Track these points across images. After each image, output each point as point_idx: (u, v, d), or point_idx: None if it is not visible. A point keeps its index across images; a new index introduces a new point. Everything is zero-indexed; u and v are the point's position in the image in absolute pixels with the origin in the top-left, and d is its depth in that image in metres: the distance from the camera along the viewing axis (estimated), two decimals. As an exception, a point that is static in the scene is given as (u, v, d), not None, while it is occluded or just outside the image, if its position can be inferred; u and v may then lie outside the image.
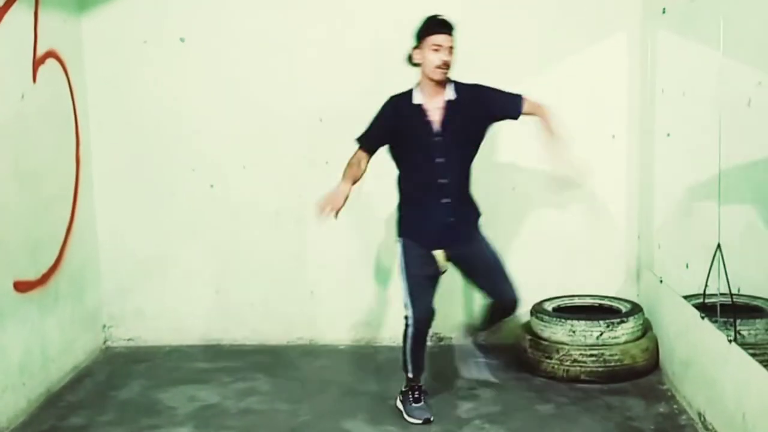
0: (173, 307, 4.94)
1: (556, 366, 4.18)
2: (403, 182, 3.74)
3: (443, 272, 3.71)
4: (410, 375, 3.81)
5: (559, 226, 4.74)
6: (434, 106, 3.61)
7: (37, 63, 4.13)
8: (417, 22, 4.55)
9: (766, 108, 3.30)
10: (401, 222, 3.76)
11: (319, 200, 3.61)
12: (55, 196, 4.36)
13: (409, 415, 3.76)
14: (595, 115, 4.67)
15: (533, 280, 4.72)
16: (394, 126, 3.66)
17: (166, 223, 4.89)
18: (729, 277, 3.28)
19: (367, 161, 3.71)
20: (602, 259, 4.76)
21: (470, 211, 3.75)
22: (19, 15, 3.94)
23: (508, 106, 3.65)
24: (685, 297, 3.82)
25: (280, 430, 3.75)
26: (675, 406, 3.85)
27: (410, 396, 3.81)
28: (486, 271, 3.73)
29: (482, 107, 3.63)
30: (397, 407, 3.86)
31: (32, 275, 4.04)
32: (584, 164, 3.52)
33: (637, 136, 4.63)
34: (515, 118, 3.67)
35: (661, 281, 4.23)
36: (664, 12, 4.09)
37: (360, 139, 3.73)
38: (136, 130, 4.82)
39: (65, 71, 4.48)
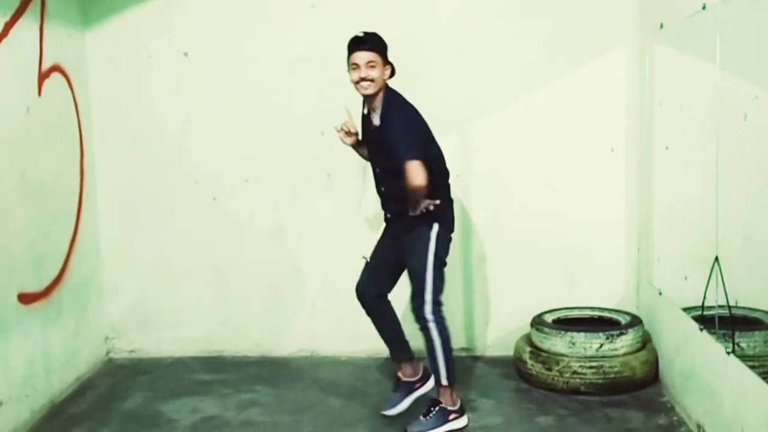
0: (175, 319, 4.97)
1: (556, 378, 4.20)
2: None
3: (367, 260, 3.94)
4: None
5: (559, 238, 4.77)
6: (371, 119, 3.81)
7: (42, 77, 4.18)
8: (420, 38, 4.64)
9: (762, 122, 3.33)
10: None
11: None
12: (60, 208, 4.40)
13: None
14: (594, 129, 4.71)
15: (533, 292, 4.76)
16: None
17: (168, 235, 4.92)
18: (727, 290, 3.31)
19: None
20: (602, 271, 4.79)
21: (404, 217, 3.75)
22: (25, 29, 3.99)
23: (399, 158, 3.63)
24: (684, 309, 3.83)
25: (281, 441, 3.77)
26: (674, 418, 3.86)
27: None
28: (386, 268, 3.89)
29: (389, 142, 3.67)
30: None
31: (36, 287, 4.07)
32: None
33: (636, 150, 4.66)
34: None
35: (660, 293, 4.25)
36: (661, 27, 4.14)
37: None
38: (140, 143, 4.87)
39: (70, 85, 4.53)
